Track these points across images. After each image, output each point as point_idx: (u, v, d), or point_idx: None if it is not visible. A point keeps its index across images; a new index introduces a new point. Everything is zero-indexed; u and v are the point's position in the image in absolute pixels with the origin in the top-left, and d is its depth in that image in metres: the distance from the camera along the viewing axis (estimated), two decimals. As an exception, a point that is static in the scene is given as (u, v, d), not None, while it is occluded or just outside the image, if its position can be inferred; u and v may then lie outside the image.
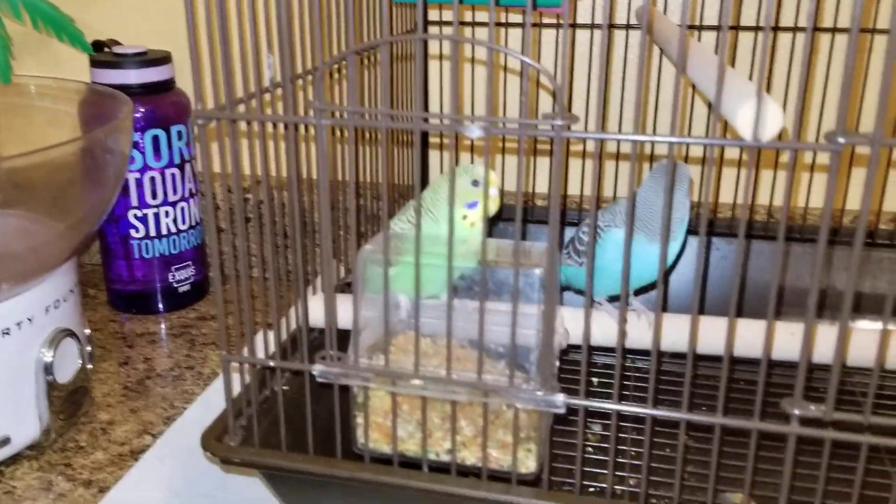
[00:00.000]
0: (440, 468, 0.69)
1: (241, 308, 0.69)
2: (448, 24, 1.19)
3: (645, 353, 1.00)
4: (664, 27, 0.87)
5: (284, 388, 0.79)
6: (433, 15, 1.22)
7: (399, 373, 0.65)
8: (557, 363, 0.75)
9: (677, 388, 0.84)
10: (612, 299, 0.89)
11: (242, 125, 0.67)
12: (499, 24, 1.22)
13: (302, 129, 0.81)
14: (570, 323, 0.82)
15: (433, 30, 1.22)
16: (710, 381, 1.03)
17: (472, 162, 0.85)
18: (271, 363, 0.70)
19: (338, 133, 0.85)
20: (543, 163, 1.28)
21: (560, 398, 0.63)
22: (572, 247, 0.91)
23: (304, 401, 0.72)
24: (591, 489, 0.89)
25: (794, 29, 1.12)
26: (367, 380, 0.66)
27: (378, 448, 0.72)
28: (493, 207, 0.77)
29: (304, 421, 0.73)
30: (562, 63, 0.55)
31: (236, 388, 0.73)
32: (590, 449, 0.97)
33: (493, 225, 1.17)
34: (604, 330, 0.85)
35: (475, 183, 0.75)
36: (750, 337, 0.81)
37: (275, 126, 0.70)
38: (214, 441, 0.71)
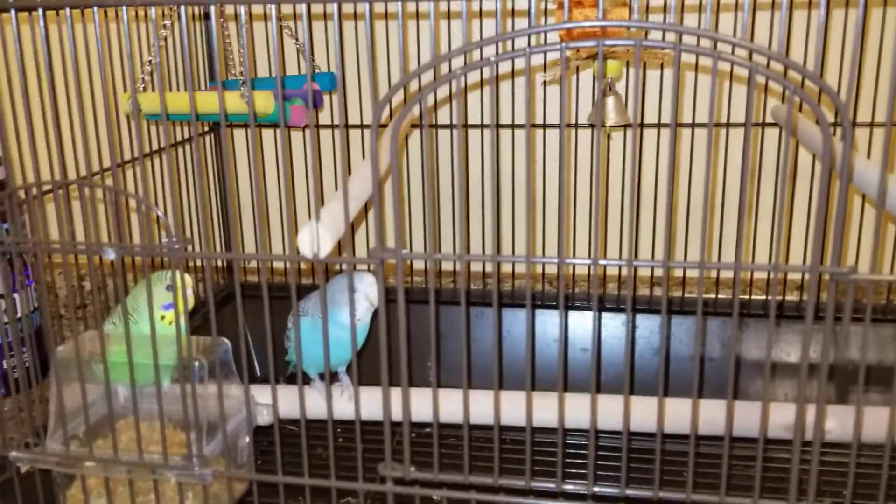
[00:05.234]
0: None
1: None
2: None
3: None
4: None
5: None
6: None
7: (76, 457, 0.77)
8: (247, 439, 0.88)
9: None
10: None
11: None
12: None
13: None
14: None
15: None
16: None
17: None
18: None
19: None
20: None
21: (208, 472, 0.75)
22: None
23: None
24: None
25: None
26: (58, 464, 0.78)
27: (82, 524, 0.84)
28: (190, 308, 0.90)
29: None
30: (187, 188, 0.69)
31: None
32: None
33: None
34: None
35: (169, 288, 0.89)
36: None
37: None
38: None
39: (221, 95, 0.68)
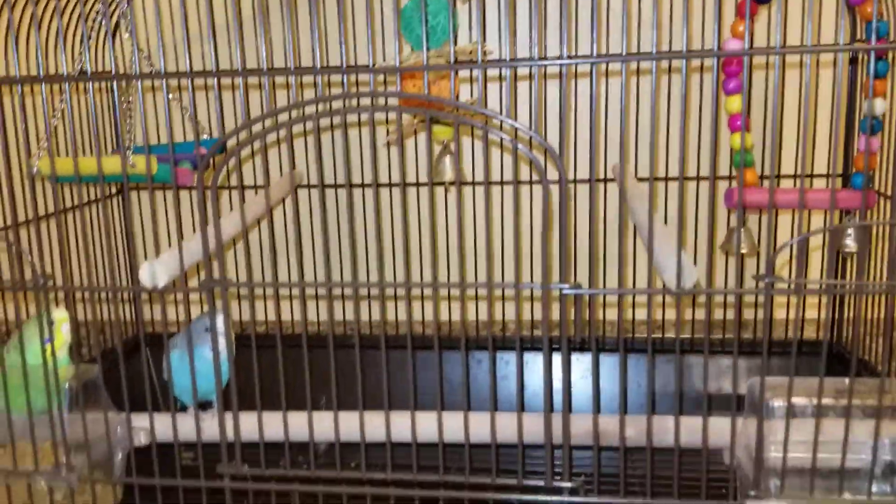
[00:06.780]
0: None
1: None
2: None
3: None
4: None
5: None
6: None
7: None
8: (120, 456, 1.00)
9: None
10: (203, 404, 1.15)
11: None
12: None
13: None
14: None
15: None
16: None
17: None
18: None
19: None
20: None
21: (73, 476, 0.88)
22: None
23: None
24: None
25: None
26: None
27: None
28: (68, 340, 1.03)
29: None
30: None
31: None
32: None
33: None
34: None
35: (51, 323, 1.01)
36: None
37: None
38: None
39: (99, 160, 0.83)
